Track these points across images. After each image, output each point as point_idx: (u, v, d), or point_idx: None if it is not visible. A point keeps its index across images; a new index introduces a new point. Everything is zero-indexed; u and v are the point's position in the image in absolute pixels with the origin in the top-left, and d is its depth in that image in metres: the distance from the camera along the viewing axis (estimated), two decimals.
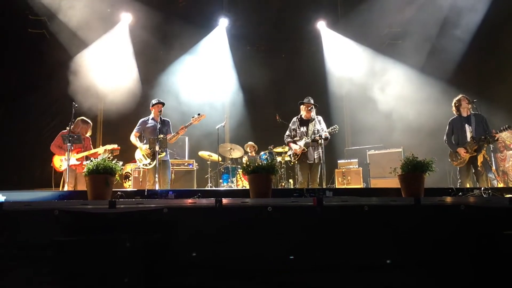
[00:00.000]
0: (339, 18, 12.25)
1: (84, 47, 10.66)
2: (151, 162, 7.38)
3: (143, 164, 7.58)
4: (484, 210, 3.93)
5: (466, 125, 7.26)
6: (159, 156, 7.20)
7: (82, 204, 3.87)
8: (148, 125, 7.71)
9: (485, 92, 9.49)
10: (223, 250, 3.70)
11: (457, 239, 3.77)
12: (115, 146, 7.80)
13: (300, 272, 3.64)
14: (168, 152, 7.83)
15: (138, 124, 7.79)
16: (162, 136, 7.20)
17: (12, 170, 9.74)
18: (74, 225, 3.69)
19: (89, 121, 7.81)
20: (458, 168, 7.31)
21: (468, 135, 7.19)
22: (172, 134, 7.60)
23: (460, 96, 7.45)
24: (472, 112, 7.32)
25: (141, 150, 7.59)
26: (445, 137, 7.53)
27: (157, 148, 7.01)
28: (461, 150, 7.13)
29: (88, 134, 7.82)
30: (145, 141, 7.64)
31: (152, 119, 7.74)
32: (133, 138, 7.75)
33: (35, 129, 10.35)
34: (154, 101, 7.84)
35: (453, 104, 7.51)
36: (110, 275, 3.55)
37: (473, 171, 7.11)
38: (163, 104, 7.81)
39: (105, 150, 7.65)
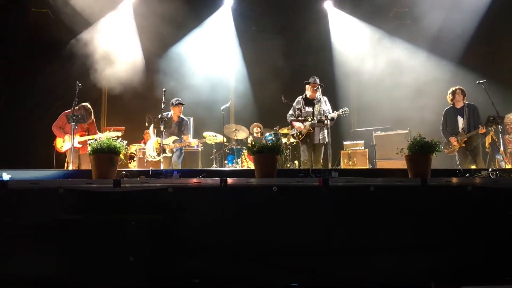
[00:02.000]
0: None
1: (88, 26, 10.57)
2: (156, 157, 7.47)
3: (149, 155, 7.73)
4: (492, 191, 3.89)
5: (459, 117, 7.59)
6: (165, 155, 7.61)
7: (87, 183, 3.86)
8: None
9: (495, 73, 9.33)
10: (227, 230, 3.69)
11: (464, 220, 3.73)
12: (119, 134, 7.80)
13: (305, 254, 3.62)
14: (183, 149, 8.18)
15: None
16: (165, 115, 7.32)
17: (17, 151, 9.76)
18: (79, 204, 3.69)
19: (89, 107, 7.74)
20: (456, 156, 7.64)
21: (460, 126, 7.52)
22: (188, 140, 7.99)
23: (455, 88, 7.71)
24: (466, 102, 7.58)
25: (154, 142, 7.88)
26: (440, 126, 7.83)
27: (161, 127, 7.05)
28: (452, 139, 7.51)
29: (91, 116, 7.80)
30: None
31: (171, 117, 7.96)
32: (151, 130, 8.13)
33: (40, 110, 10.32)
34: (174, 101, 7.96)
35: (448, 95, 7.78)
36: (115, 253, 3.57)
37: (469, 153, 7.44)
38: (182, 104, 8.08)
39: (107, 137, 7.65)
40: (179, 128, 7.92)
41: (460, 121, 7.54)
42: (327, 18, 11.91)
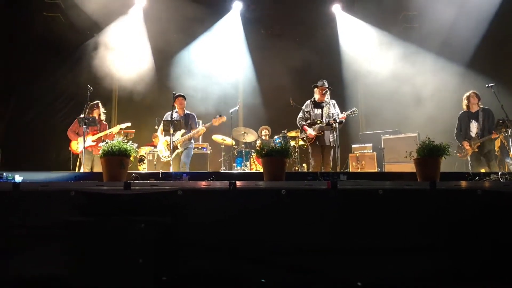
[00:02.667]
0: (354, 1, 12.06)
1: (99, 31, 10.70)
2: (170, 156, 7.47)
3: (162, 156, 7.77)
4: (502, 195, 3.87)
5: (472, 121, 7.53)
6: (178, 150, 7.60)
7: (98, 185, 3.90)
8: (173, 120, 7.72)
9: (504, 76, 9.28)
10: (236, 232, 3.71)
11: (474, 223, 3.72)
12: (129, 124, 7.89)
13: (313, 255, 3.63)
14: (193, 144, 8.06)
15: (163, 118, 7.89)
16: (184, 131, 7.46)
17: (29, 154, 9.87)
18: (90, 206, 3.73)
19: (94, 103, 7.83)
20: (469, 160, 7.55)
21: (474, 131, 7.45)
22: (197, 129, 7.85)
23: (470, 92, 7.65)
24: (481, 107, 7.51)
25: (164, 142, 7.87)
26: (455, 130, 7.78)
27: (171, 130, 7.09)
28: (465, 143, 7.45)
29: (102, 116, 7.89)
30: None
31: (176, 112, 7.76)
32: (159, 132, 8.05)
33: (50, 112, 10.45)
34: (174, 94, 7.88)
35: (463, 99, 7.72)
36: (124, 255, 3.60)
37: (483, 158, 7.35)
38: (183, 97, 7.99)
39: (120, 129, 7.76)
40: (186, 122, 7.85)
41: (474, 126, 7.48)
42: (335, 22, 11.92)
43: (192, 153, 8.13)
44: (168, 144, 7.66)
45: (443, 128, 8.36)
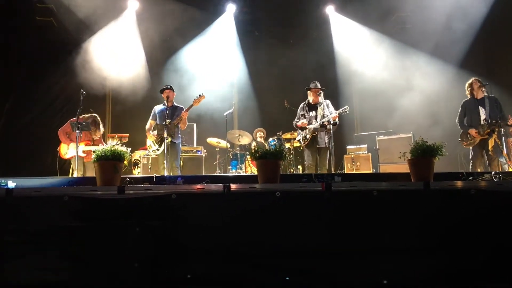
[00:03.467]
0: (347, 2, 12.09)
1: (92, 35, 10.67)
2: (159, 148, 7.42)
3: (152, 150, 7.67)
4: (495, 194, 3.88)
5: (480, 107, 7.28)
6: (166, 140, 7.27)
7: (91, 190, 3.89)
8: (158, 112, 7.75)
9: (497, 76, 9.34)
10: (231, 236, 3.70)
11: (468, 223, 3.73)
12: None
13: (308, 258, 3.63)
14: (180, 138, 7.89)
15: (152, 112, 7.86)
16: (169, 121, 7.25)
17: (22, 159, 9.84)
18: (84, 211, 3.71)
19: (99, 120, 7.83)
20: (471, 151, 7.34)
21: (482, 117, 7.21)
22: (186, 114, 7.57)
23: (472, 79, 7.49)
24: (486, 94, 7.31)
25: (150, 136, 7.69)
26: (457, 119, 7.56)
27: (165, 134, 7.08)
28: (473, 131, 7.18)
29: (100, 130, 7.87)
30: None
31: (164, 105, 7.71)
32: (147, 126, 7.85)
33: (44, 118, 10.42)
34: (162, 87, 7.85)
35: (466, 88, 7.55)
36: (119, 260, 3.59)
37: (486, 156, 7.15)
38: (170, 88, 7.80)
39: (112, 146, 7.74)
40: (173, 113, 7.59)
41: (482, 112, 7.21)
42: (329, 23, 11.95)
43: (181, 152, 8.03)
44: (156, 138, 7.58)
45: (438, 128, 8.39)
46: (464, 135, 7.38)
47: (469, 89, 7.47)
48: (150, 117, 7.87)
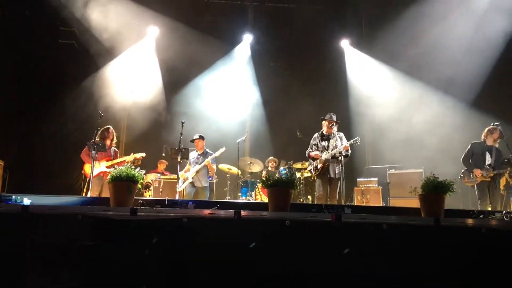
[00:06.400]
0: (363, 37, 12.32)
1: (112, 59, 10.96)
2: (181, 186, 8.26)
3: (178, 186, 8.08)
4: (506, 233, 3.87)
5: (487, 153, 7.33)
6: (188, 181, 8.42)
7: (105, 210, 3.96)
8: (191, 158, 8.64)
9: (509, 115, 9.33)
10: (240, 261, 3.72)
11: (477, 261, 3.71)
12: (143, 154, 8.05)
13: (316, 286, 3.63)
14: (208, 183, 8.73)
15: (189, 157, 8.61)
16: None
17: (39, 177, 9.97)
18: (96, 231, 3.77)
19: (112, 130, 7.97)
20: (476, 191, 7.37)
21: (487, 162, 7.27)
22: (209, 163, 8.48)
23: (496, 127, 7.43)
24: (496, 145, 7.38)
25: (182, 174, 8.38)
26: (463, 156, 7.57)
27: (178, 158, 7.30)
28: (477, 171, 7.23)
29: (114, 141, 7.99)
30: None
31: (196, 151, 8.72)
32: (186, 168, 8.70)
33: (60, 137, 10.57)
34: (193, 137, 8.67)
35: (486, 130, 7.52)
36: (129, 281, 3.62)
37: (490, 194, 7.17)
38: (197, 139, 8.65)
39: (134, 158, 7.86)
40: (204, 159, 8.50)
41: (488, 158, 7.29)
42: (344, 56, 12.14)
43: (208, 194, 8.73)
44: (185, 178, 8.41)
45: (448, 164, 8.36)
46: (467, 173, 7.42)
47: (487, 133, 7.44)
48: (188, 163, 8.72)
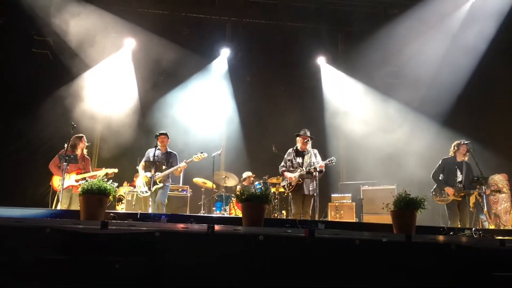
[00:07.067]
0: (339, 54, 12.53)
1: (86, 70, 10.82)
2: (148, 191, 7.58)
3: (140, 191, 7.70)
4: (475, 250, 3.95)
5: (458, 170, 7.39)
6: (156, 186, 7.57)
7: (75, 223, 3.87)
8: (152, 156, 7.73)
9: (479, 134, 9.60)
10: (212, 277, 3.68)
11: (447, 277, 3.77)
12: (115, 170, 7.89)
13: None
14: (170, 182, 8.09)
15: (146, 154, 8.04)
16: (157, 160, 7.49)
17: (5, 189, 9.67)
18: (65, 244, 3.67)
19: (78, 136, 7.82)
20: (446, 209, 7.40)
21: (458, 179, 7.32)
22: (175, 167, 7.86)
23: (462, 142, 7.54)
24: (465, 160, 7.44)
25: (144, 177, 7.80)
26: (433, 173, 7.59)
27: (152, 171, 7.14)
28: (450, 190, 7.23)
29: (84, 150, 7.84)
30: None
31: (158, 149, 7.90)
32: (140, 167, 8.04)
33: (30, 148, 10.34)
34: (157, 133, 8.06)
35: (453, 146, 7.61)
36: None
37: (460, 212, 7.22)
38: (165, 135, 8.10)
39: (106, 173, 7.69)
40: (167, 159, 7.93)
41: (459, 174, 7.33)
42: (320, 73, 12.29)
43: (168, 192, 8.14)
44: (147, 180, 7.67)
45: (420, 182, 8.51)
46: (438, 190, 7.42)
47: (455, 149, 7.54)
48: (144, 159, 7.97)
